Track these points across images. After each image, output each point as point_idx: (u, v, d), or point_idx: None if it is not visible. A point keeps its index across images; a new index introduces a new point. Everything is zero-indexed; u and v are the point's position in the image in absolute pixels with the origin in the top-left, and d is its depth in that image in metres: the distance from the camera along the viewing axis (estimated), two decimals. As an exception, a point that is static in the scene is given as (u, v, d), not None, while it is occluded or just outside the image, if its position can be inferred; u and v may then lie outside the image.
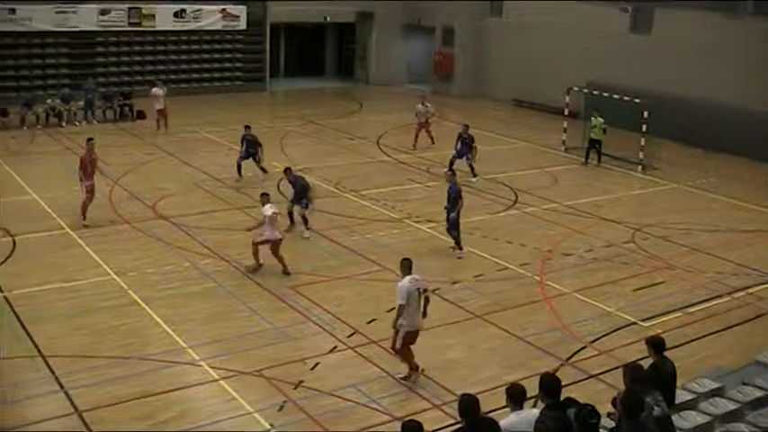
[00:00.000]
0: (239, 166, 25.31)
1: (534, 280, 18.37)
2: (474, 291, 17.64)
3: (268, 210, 17.91)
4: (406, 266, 13.55)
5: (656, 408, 9.09)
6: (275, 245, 17.93)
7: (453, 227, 19.65)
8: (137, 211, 22.19)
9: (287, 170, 21.17)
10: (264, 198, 18.38)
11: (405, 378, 13.68)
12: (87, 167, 21.28)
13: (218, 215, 22.02)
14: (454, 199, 19.37)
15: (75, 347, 14.42)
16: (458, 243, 19.74)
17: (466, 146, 26.48)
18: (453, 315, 16.33)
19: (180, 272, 18.06)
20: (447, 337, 15.36)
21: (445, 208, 19.70)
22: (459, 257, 19.54)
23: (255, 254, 18.07)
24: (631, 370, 9.37)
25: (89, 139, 22.11)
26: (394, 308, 13.74)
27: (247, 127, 25.61)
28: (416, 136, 30.83)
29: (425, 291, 13.64)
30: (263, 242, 17.97)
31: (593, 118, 29.08)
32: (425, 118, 30.83)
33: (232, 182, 25.03)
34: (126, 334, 15.02)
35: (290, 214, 20.88)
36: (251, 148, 25.34)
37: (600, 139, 29.01)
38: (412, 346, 13.61)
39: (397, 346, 13.53)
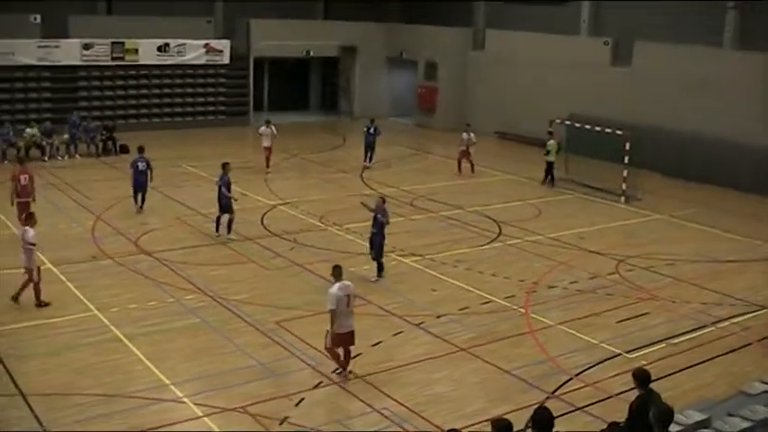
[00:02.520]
0: (219, 221, 23.14)
1: (519, 313, 18.33)
2: (459, 324, 17.58)
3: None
4: (337, 273, 14.68)
5: None
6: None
7: (381, 253, 20.27)
8: (120, 246, 22.05)
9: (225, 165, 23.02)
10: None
11: (336, 371, 14.89)
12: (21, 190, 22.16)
13: (201, 250, 21.92)
14: (381, 224, 20.10)
15: (56, 385, 14.24)
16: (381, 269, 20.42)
17: None
18: (439, 349, 16.26)
19: (163, 307, 17.91)
20: (433, 372, 15.28)
21: (373, 233, 20.27)
22: (375, 281, 19.95)
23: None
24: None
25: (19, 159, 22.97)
26: (380, 342, 14.47)
27: (226, 164, 23.38)
28: (459, 163, 32.47)
29: (353, 297, 14.77)
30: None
31: (547, 142, 30.92)
32: (466, 146, 32.26)
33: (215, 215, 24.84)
34: (108, 371, 14.84)
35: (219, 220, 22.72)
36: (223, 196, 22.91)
37: (554, 161, 30.75)
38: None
39: (328, 345, 14.65)
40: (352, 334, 14.67)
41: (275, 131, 31.84)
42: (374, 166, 33.38)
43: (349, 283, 14.77)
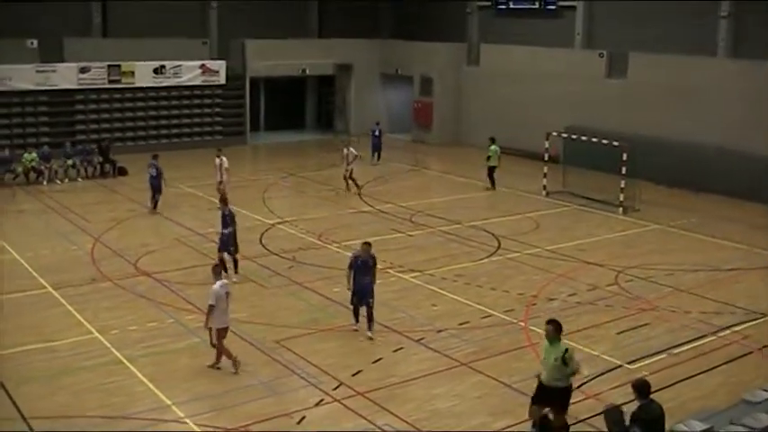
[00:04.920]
0: (224, 262, 20.60)
1: (519, 326, 18.33)
2: (459, 339, 17.57)
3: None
4: (217, 272, 15.89)
5: None
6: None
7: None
8: (119, 268, 22.06)
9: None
10: None
11: (212, 365, 15.78)
12: None
13: (201, 270, 21.81)
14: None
15: (57, 408, 14.23)
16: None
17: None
18: (439, 364, 16.25)
19: (163, 328, 17.91)
20: (434, 387, 15.28)
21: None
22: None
23: None
24: (607, 413, 10.59)
25: None
26: (380, 358, 14.74)
27: (223, 201, 21.98)
28: (345, 181, 31.80)
29: (229, 293, 15.80)
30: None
31: (489, 147, 32.25)
32: (347, 162, 31.53)
33: (214, 236, 24.77)
34: (109, 393, 14.84)
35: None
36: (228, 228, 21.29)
37: (496, 165, 32.11)
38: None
39: (215, 341, 15.51)
40: (227, 329, 15.83)
41: (226, 163, 28.76)
42: (378, 163, 37.07)
43: (227, 281, 16.20)
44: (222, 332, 15.56)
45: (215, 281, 15.60)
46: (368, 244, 17.87)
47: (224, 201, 21.76)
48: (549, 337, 12.75)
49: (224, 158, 28.73)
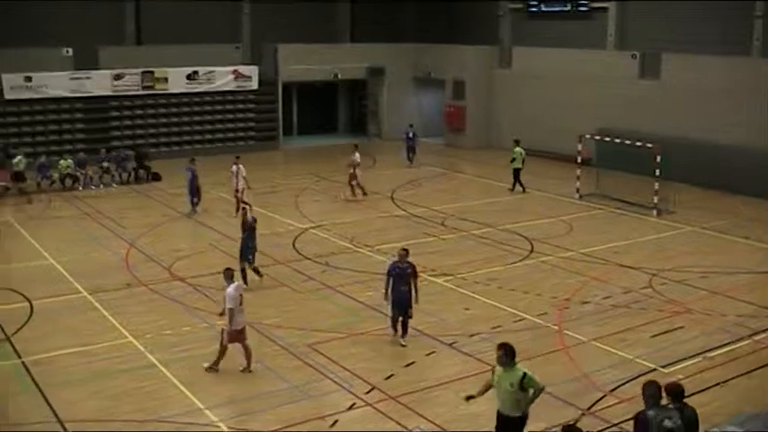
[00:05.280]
0: (244, 274, 20.78)
1: (552, 329, 18.25)
2: (492, 343, 17.35)
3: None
4: (228, 276, 15.93)
5: (666, 421, 9.60)
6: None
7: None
8: (153, 273, 22.25)
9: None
10: None
11: (210, 368, 15.93)
12: None
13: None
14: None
15: (92, 412, 14.39)
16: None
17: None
18: (472, 368, 16.21)
19: (197, 333, 18.04)
20: (465, 391, 15.13)
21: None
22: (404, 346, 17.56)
23: None
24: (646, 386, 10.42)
25: None
26: (413, 362, 14.98)
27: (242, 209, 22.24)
28: (351, 186, 31.49)
29: (242, 294, 16.13)
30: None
31: (513, 149, 32.52)
32: (353, 167, 31.27)
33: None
34: (144, 397, 14.98)
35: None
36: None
37: (520, 167, 32.25)
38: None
39: (225, 342, 15.78)
40: (244, 329, 15.98)
41: (243, 171, 28.93)
42: (413, 166, 37.88)
43: (241, 282, 16.72)
44: (234, 334, 15.78)
45: (227, 285, 15.80)
46: (405, 250, 17.53)
47: (242, 209, 21.77)
48: (501, 362, 11.63)
49: (241, 166, 28.75)
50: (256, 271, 21.08)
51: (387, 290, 17.27)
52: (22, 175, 31.94)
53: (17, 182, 31.81)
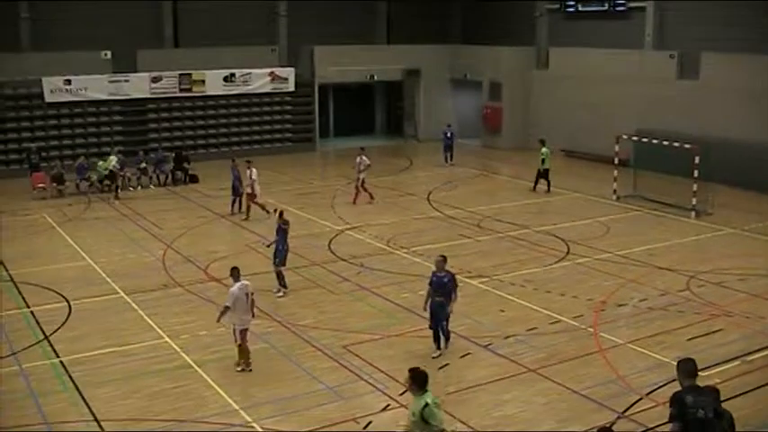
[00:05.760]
0: (280, 276, 20.85)
1: (588, 332, 18.11)
2: (527, 344, 17.43)
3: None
4: (236, 274, 16.10)
5: (700, 411, 9.54)
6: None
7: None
8: (189, 274, 22.40)
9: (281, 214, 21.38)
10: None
11: (242, 370, 16.10)
12: None
13: (269, 276, 22.04)
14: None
15: (129, 411, 14.52)
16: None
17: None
18: (507, 370, 16.15)
19: (232, 333, 18.04)
20: (501, 393, 15.18)
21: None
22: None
23: None
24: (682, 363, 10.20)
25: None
26: (447, 364, 15.24)
27: (281, 214, 21.48)
28: (356, 190, 31.02)
29: (252, 294, 16.20)
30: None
31: (541, 149, 32.35)
32: (358, 170, 30.91)
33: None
34: (179, 397, 15.09)
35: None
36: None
37: (549, 167, 32.21)
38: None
39: (240, 341, 15.97)
40: (247, 331, 16.18)
41: (255, 174, 28.18)
42: (451, 164, 38.40)
43: (247, 282, 16.25)
44: (244, 333, 16.04)
45: (233, 283, 16.05)
46: (442, 258, 16.85)
47: (280, 214, 21.42)
48: (408, 388, 10.78)
49: (254, 170, 28.19)
50: (278, 276, 20.80)
51: (426, 301, 16.85)
52: (62, 177, 32.38)
53: (56, 184, 32.29)
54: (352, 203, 30.65)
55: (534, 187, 32.58)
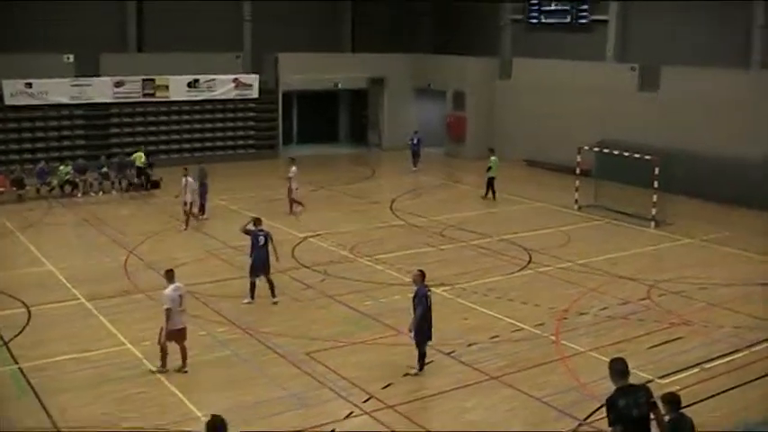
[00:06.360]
0: (253, 286, 20.65)
1: (550, 340, 18.25)
2: (490, 352, 17.53)
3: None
4: (170, 276, 16.34)
5: (635, 410, 9.74)
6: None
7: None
8: (151, 280, 22.15)
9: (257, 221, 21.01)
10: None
11: (159, 371, 16.16)
12: None
13: (233, 283, 22.01)
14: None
15: (90, 418, 14.36)
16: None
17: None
18: (470, 377, 16.22)
19: (194, 340, 17.89)
20: (464, 400, 15.25)
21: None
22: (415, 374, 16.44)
23: None
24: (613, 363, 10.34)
25: None
26: (408, 373, 15.37)
27: (258, 221, 21.24)
28: (290, 203, 30.66)
29: (185, 296, 16.55)
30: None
31: (490, 158, 33.13)
32: (289, 181, 30.65)
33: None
34: (141, 404, 14.97)
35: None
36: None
37: (495, 176, 32.81)
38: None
39: (162, 341, 16.08)
40: (184, 330, 16.32)
41: (193, 185, 28.33)
42: (418, 170, 39.20)
43: (181, 284, 16.46)
44: (174, 333, 16.12)
45: (167, 285, 16.22)
46: (419, 273, 16.41)
47: (256, 221, 21.21)
48: None
49: (190, 179, 27.98)
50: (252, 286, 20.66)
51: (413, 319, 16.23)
52: (22, 182, 32.04)
53: (16, 188, 31.94)
54: (297, 210, 30.41)
55: (485, 195, 32.95)
